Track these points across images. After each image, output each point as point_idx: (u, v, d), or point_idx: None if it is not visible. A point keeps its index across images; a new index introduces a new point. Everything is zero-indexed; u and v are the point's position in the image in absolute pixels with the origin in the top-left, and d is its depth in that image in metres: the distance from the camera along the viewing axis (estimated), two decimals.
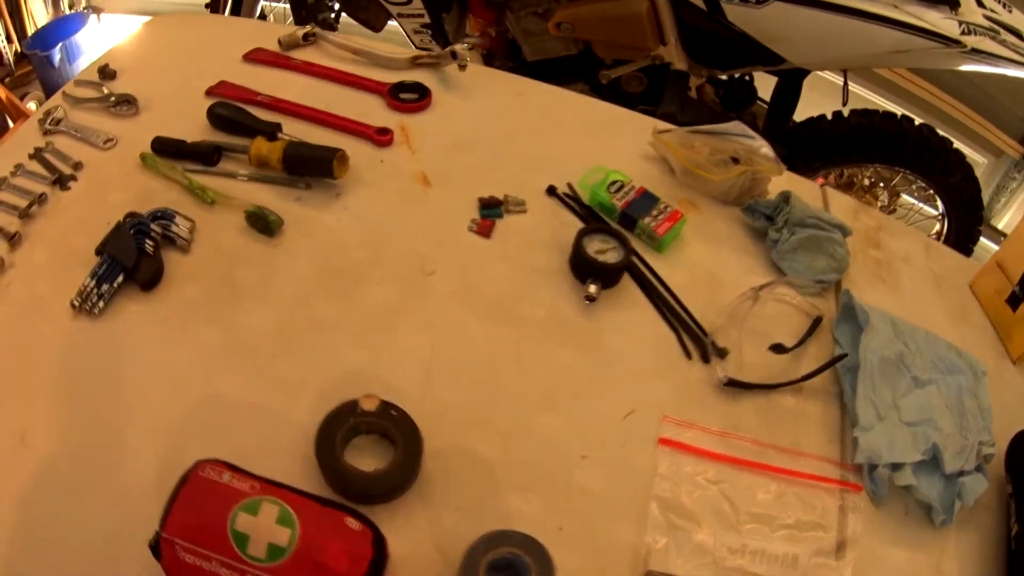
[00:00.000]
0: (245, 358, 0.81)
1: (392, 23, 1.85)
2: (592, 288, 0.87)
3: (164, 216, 0.91)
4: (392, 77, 1.16)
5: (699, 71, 1.80)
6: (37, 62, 2.53)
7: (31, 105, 2.38)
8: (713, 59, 1.77)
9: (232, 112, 1.05)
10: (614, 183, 0.99)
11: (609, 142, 1.11)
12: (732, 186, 1.02)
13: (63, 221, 0.93)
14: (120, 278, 0.85)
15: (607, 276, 0.89)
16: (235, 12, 2.02)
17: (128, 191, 0.97)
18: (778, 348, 0.87)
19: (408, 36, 1.84)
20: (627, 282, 0.92)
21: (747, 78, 1.98)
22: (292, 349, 0.82)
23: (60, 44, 2.51)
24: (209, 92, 1.12)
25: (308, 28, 1.20)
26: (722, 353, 0.86)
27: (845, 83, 1.85)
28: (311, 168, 0.96)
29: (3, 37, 2.58)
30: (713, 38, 1.68)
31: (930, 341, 0.88)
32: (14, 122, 2.24)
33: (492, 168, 1.04)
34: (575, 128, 1.13)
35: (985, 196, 2.19)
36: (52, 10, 2.80)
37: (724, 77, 1.93)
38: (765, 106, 1.99)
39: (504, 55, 1.95)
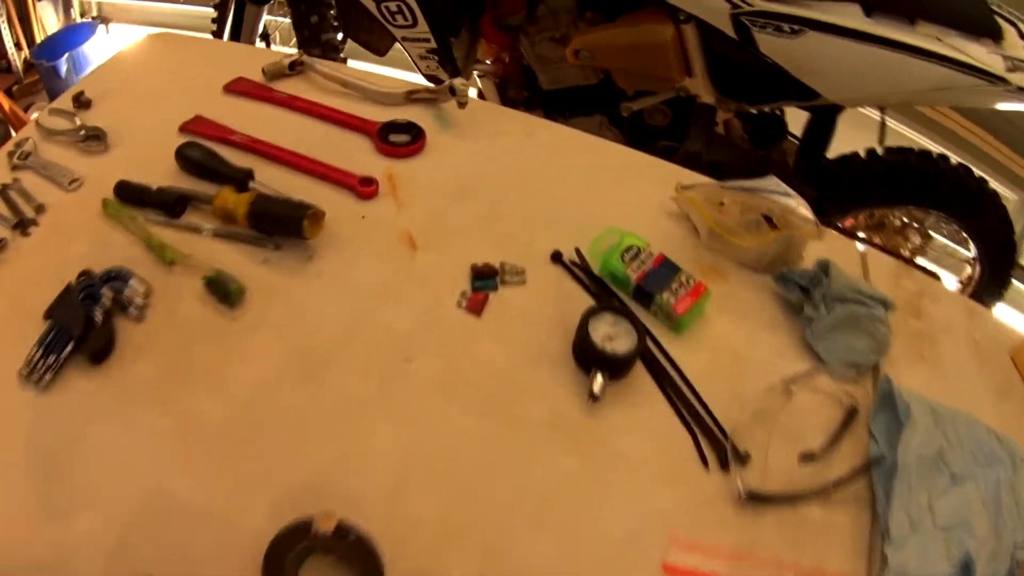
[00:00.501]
0: (197, 452, 0.69)
1: (398, 47, 1.71)
2: (597, 385, 0.73)
3: (119, 277, 0.80)
4: (385, 114, 1.02)
5: (727, 105, 1.64)
6: (43, 71, 2.44)
7: (35, 116, 2.28)
8: (742, 92, 1.61)
9: (202, 155, 0.93)
10: (629, 249, 0.85)
11: (627, 194, 0.97)
12: (764, 253, 0.88)
13: (20, 273, 0.83)
14: (68, 348, 0.74)
15: (615, 368, 0.75)
16: (236, 31, 1.89)
17: (88, 242, 0.85)
18: (807, 456, 0.73)
19: (414, 62, 1.70)
20: (639, 370, 0.78)
21: (777, 113, 1.82)
22: (249, 444, 0.70)
23: (67, 54, 2.42)
24: (183, 129, 0.99)
25: (295, 56, 1.07)
26: (743, 459, 0.71)
27: (883, 122, 1.71)
28: (280, 227, 0.83)
29: (12, 44, 2.49)
30: (743, 70, 1.53)
31: (970, 428, 0.76)
32: (16, 132, 2.15)
33: (490, 226, 0.90)
34: (589, 176, 0.99)
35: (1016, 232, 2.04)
36: (63, 18, 2.70)
37: (753, 111, 1.77)
38: (796, 143, 1.84)
39: (519, 83, 1.80)
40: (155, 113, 1.01)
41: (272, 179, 0.92)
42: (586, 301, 0.83)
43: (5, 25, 2.44)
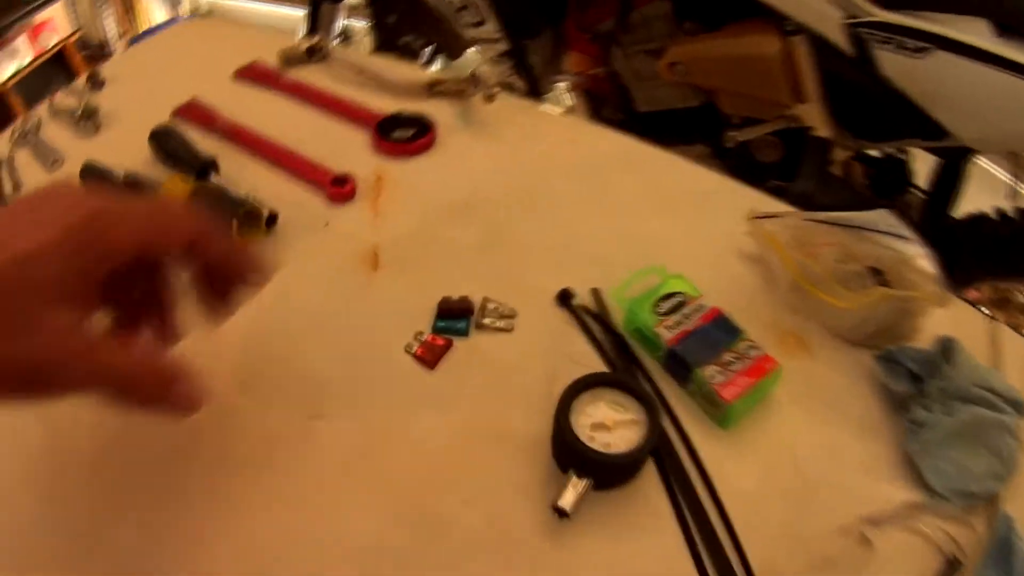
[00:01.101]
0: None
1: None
2: (569, 495, 0.46)
3: None
4: (401, 106, 0.81)
5: (846, 140, 1.33)
6: None
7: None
8: (863, 126, 1.30)
9: (172, 141, 0.75)
10: (669, 297, 0.58)
11: (690, 225, 0.69)
12: (866, 319, 0.58)
13: None
14: None
15: (604, 474, 0.48)
16: (313, 28, 1.75)
17: None
18: None
19: (486, 67, 1.50)
20: (648, 476, 0.50)
21: (901, 157, 1.49)
22: (97, 488, 0.49)
23: None
24: (175, 113, 0.83)
25: (314, 40, 0.88)
26: None
27: (1014, 173, 1.36)
28: None
29: (117, 33, 2.51)
30: (861, 97, 1.23)
31: None
32: None
33: (487, 249, 0.66)
34: (637, 196, 0.72)
35: None
36: (169, 11, 2.72)
37: (876, 154, 1.45)
38: (920, 195, 1.50)
39: (615, 103, 1.55)
40: (160, 97, 0.85)
41: (243, 171, 0.73)
42: (593, 366, 0.57)
43: (111, 14, 2.46)
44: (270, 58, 0.91)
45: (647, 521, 0.48)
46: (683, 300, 0.57)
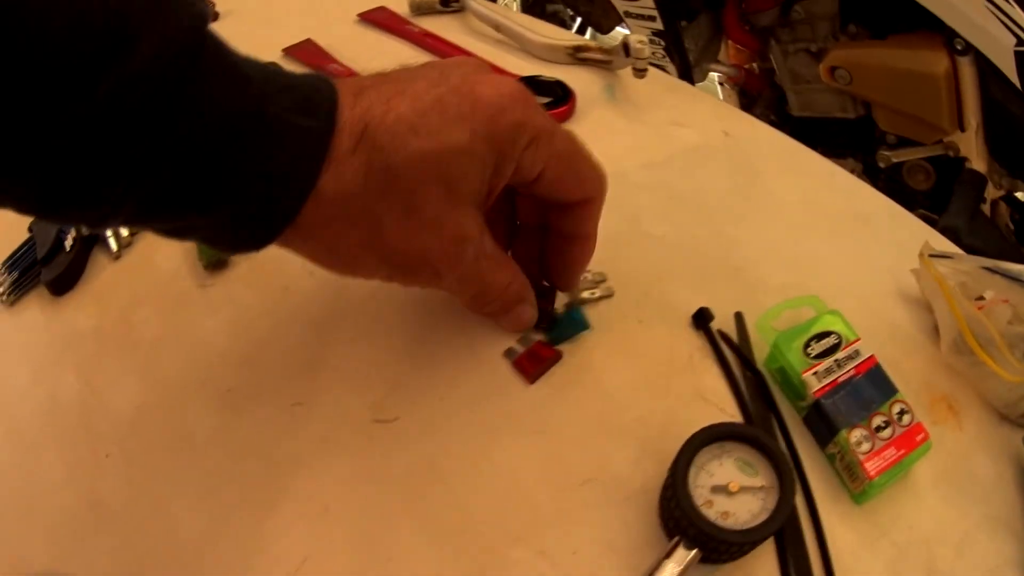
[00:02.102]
0: (80, 439, 0.46)
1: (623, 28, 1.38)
2: (669, 570, 0.35)
3: None
4: (541, 71, 0.70)
5: (999, 177, 1.15)
6: None
7: None
8: (1020, 165, 1.13)
9: None
10: (824, 336, 0.45)
11: (847, 251, 0.55)
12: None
13: None
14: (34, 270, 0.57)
15: (718, 550, 0.37)
16: None
17: None
18: None
19: None
20: (764, 557, 0.39)
21: None
22: (128, 462, 0.44)
23: None
24: (287, 51, 0.74)
25: None
26: None
27: None
28: None
29: None
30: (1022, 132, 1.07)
31: None
32: None
33: (617, 244, 0.52)
34: (796, 210, 0.58)
35: None
36: None
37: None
38: None
39: (767, 102, 1.39)
40: (276, 33, 0.77)
41: None
42: (724, 407, 0.45)
43: None
44: (400, 4, 0.81)
45: None
46: (838, 341, 0.45)
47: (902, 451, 0.41)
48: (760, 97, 1.41)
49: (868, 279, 0.53)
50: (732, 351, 0.47)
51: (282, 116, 0.30)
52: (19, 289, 0.56)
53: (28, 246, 0.58)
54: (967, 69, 1.09)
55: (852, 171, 1.33)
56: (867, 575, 0.39)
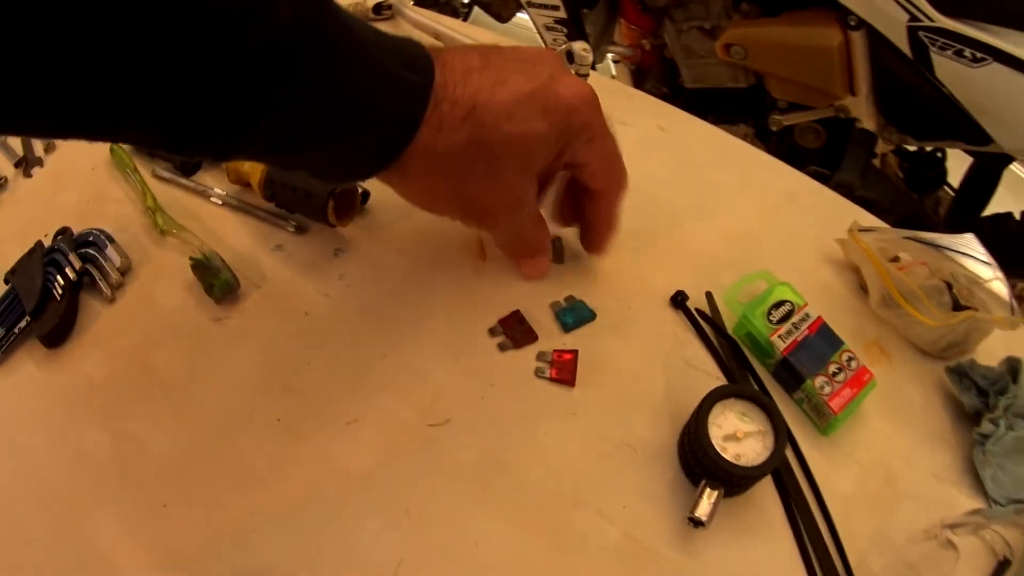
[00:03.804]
0: (129, 493, 0.50)
1: (523, 15, 1.49)
2: (704, 507, 0.47)
3: (95, 243, 0.62)
4: None
5: (890, 135, 1.36)
6: None
7: None
8: (908, 123, 1.35)
9: None
10: (780, 304, 0.58)
11: (780, 226, 0.69)
12: (944, 335, 0.60)
13: (9, 219, 0.67)
14: (24, 322, 0.58)
15: (736, 484, 0.49)
16: None
17: (84, 192, 0.68)
18: None
19: (539, 33, 1.47)
20: (762, 484, 0.52)
21: (939, 155, 1.52)
22: (190, 505, 0.49)
23: None
24: None
25: None
26: None
27: None
28: (300, 204, 0.60)
29: None
30: (913, 96, 1.28)
31: None
32: None
33: None
34: (733, 195, 0.71)
35: None
36: None
37: (913, 149, 1.47)
38: (951, 193, 1.56)
39: (659, 76, 1.54)
40: None
41: None
42: (709, 371, 0.57)
43: None
44: None
45: (762, 525, 0.50)
46: (792, 308, 0.58)
47: (855, 389, 0.55)
48: (650, 71, 1.56)
49: (801, 249, 0.67)
50: (708, 324, 0.60)
51: (396, 71, 0.40)
52: (5, 347, 0.58)
53: (8, 300, 0.60)
54: (859, 42, 1.26)
55: (744, 136, 1.52)
56: (841, 489, 0.52)
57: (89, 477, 0.51)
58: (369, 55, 0.39)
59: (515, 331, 0.57)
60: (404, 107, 0.41)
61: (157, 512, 0.49)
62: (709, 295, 0.61)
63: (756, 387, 0.57)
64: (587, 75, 0.76)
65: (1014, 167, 1.54)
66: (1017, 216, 1.43)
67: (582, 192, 0.54)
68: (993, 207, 1.50)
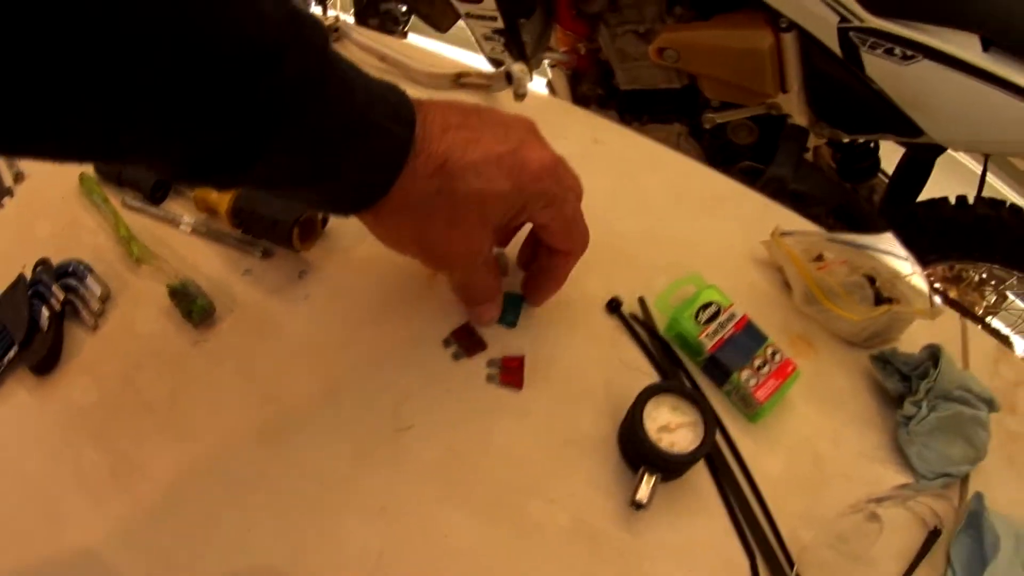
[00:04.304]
0: (127, 507, 0.56)
1: (462, 24, 1.54)
2: (644, 490, 0.55)
3: (74, 273, 0.67)
4: (422, 96, 0.85)
5: (821, 130, 1.45)
6: None
7: None
8: (840, 118, 1.43)
9: None
10: (707, 306, 0.67)
11: (708, 229, 0.77)
12: (867, 326, 0.69)
13: None
14: (12, 353, 0.63)
15: (671, 470, 0.57)
16: None
17: (57, 223, 0.72)
18: None
19: (477, 42, 1.53)
20: (697, 468, 0.60)
21: (872, 145, 1.62)
22: (187, 514, 0.55)
23: None
24: None
25: (329, 20, 0.91)
26: None
27: (984, 170, 1.53)
28: (266, 231, 0.66)
29: None
30: (844, 93, 1.36)
31: None
32: None
33: None
34: (664, 202, 0.79)
35: None
36: None
37: (846, 140, 1.57)
38: (885, 180, 1.66)
39: (593, 78, 1.61)
40: None
41: None
42: (643, 370, 0.65)
43: None
44: None
45: (699, 505, 0.58)
46: (719, 309, 0.66)
47: (780, 380, 0.63)
48: (585, 75, 1.64)
49: (728, 251, 0.75)
50: (642, 327, 0.68)
51: (380, 122, 0.45)
52: None
53: None
54: (790, 43, 1.34)
55: (678, 134, 1.60)
56: (771, 471, 0.61)
57: (87, 497, 0.56)
58: (362, 106, 0.45)
59: (466, 341, 0.64)
60: (387, 157, 0.47)
61: (158, 526, 0.55)
62: (642, 300, 0.69)
63: (687, 382, 0.65)
64: (525, 94, 0.83)
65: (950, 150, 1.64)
66: (952, 201, 1.52)
67: (541, 246, 0.60)
68: (930, 190, 1.59)
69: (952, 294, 1.80)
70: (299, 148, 0.43)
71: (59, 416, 0.60)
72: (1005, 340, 1.83)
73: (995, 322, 1.89)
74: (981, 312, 1.85)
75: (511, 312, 0.66)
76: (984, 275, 1.79)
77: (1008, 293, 1.85)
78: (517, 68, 0.81)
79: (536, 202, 0.52)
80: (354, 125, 0.44)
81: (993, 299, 1.85)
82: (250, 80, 0.37)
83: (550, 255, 0.60)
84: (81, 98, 0.33)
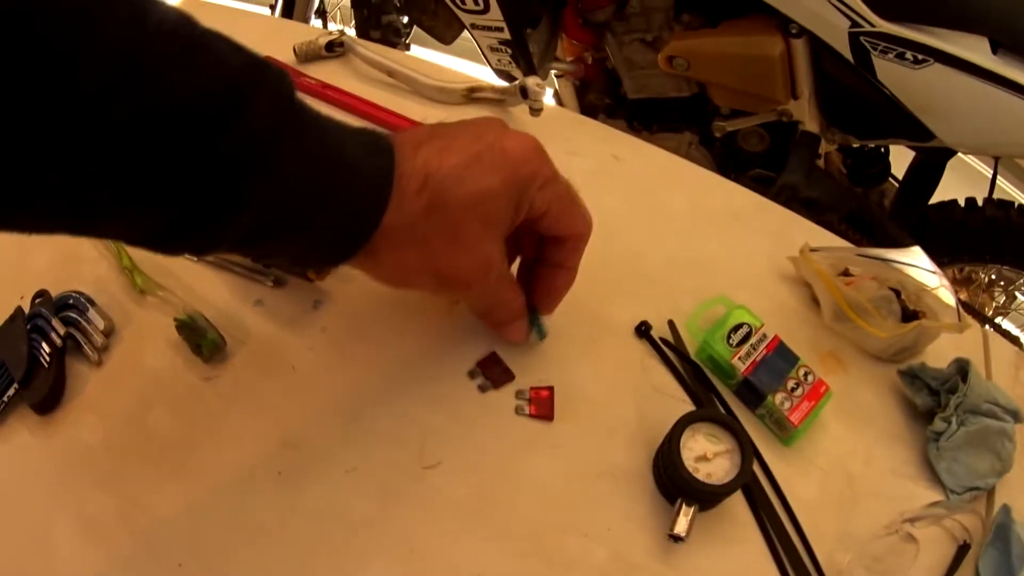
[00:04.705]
0: (141, 555, 0.53)
1: (466, 35, 1.53)
2: (682, 524, 0.53)
3: (76, 306, 0.64)
4: (437, 114, 0.83)
5: (832, 135, 1.45)
6: None
7: None
8: (851, 124, 1.43)
9: None
10: (738, 327, 0.65)
11: (733, 247, 0.75)
12: (895, 342, 0.67)
13: None
14: (11, 391, 0.60)
15: (708, 500, 0.55)
16: (288, 6, 1.72)
17: (55, 254, 0.70)
18: None
19: (483, 54, 1.52)
20: (732, 496, 0.58)
21: (882, 150, 1.62)
22: (204, 562, 0.53)
23: None
24: None
25: (334, 35, 0.89)
26: None
27: (995, 171, 1.54)
28: (279, 261, 0.65)
29: None
30: (855, 98, 1.36)
31: None
32: None
33: None
34: (687, 220, 0.77)
35: None
36: None
37: (856, 146, 1.57)
38: (895, 184, 1.66)
39: (601, 88, 1.60)
40: None
41: None
42: (676, 395, 0.63)
43: None
44: (281, 52, 0.89)
45: (735, 534, 0.57)
46: (750, 330, 0.64)
47: (813, 402, 0.61)
48: (592, 84, 1.63)
49: (753, 267, 0.74)
50: (673, 352, 0.66)
51: (357, 157, 0.44)
52: None
53: None
54: (801, 49, 1.33)
55: (688, 143, 1.59)
56: (805, 494, 0.59)
57: (98, 541, 0.54)
58: (337, 145, 0.43)
59: (493, 372, 0.62)
60: (372, 186, 0.45)
61: (172, 572, 0.52)
62: (671, 323, 0.67)
63: (721, 407, 0.63)
64: (541, 109, 0.81)
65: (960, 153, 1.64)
66: (962, 203, 1.52)
67: (545, 247, 0.57)
68: (939, 192, 1.58)
69: (962, 296, 1.80)
70: (276, 199, 0.41)
71: (63, 457, 0.58)
72: (1015, 341, 1.84)
73: (1005, 323, 1.90)
74: (991, 313, 1.86)
75: (538, 322, 0.64)
76: (993, 276, 1.80)
77: (1017, 294, 1.85)
78: (532, 82, 0.80)
79: (531, 187, 0.49)
80: (332, 163, 0.43)
81: (1002, 299, 1.86)
82: (216, 130, 0.36)
83: (558, 248, 0.56)
84: (40, 169, 0.32)
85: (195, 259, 0.68)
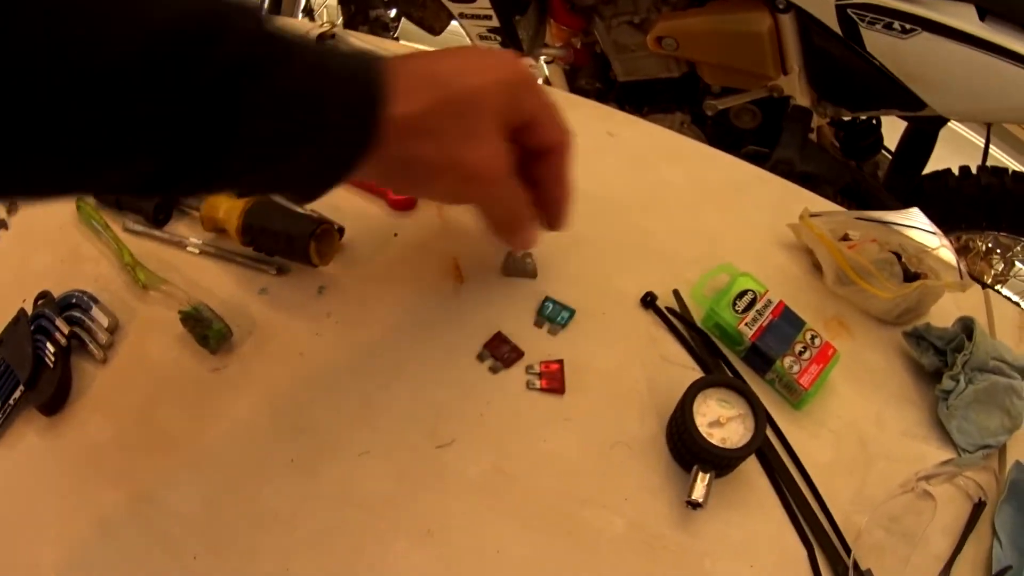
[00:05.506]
0: (157, 549, 0.53)
1: (455, 25, 1.53)
2: (699, 490, 0.53)
3: (79, 304, 0.64)
4: None
5: (824, 109, 1.45)
6: None
7: None
8: (842, 96, 1.43)
9: None
10: (743, 295, 0.65)
11: (732, 217, 0.75)
12: (899, 303, 0.67)
13: None
14: (18, 392, 0.60)
15: (724, 465, 0.55)
16: (275, 8, 1.72)
17: (56, 253, 0.70)
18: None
19: (472, 42, 1.52)
20: (747, 461, 0.58)
21: (874, 122, 1.63)
22: (221, 554, 0.53)
23: None
24: None
25: (323, 27, 0.89)
26: None
27: (987, 139, 1.53)
28: (280, 247, 0.64)
29: None
30: (845, 71, 1.36)
31: None
32: None
33: (566, 253, 0.70)
34: (685, 192, 0.77)
35: None
36: None
37: (848, 118, 1.57)
38: (888, 156, 1.67)
39: (591, 72, 1.60)
40: None
41: None
42: (685, 364, 0.63)
43: None
44: None
45: (752, 498, 0.57)
46: (755, 296, 0.65)
47: (822, 364, 0.62)
48: (582, 68, 1.63)
49: (754, 236, 0.74)
50: (679, 321, 0.66)
51: (349, 56, 0.44)
52: (2, 419, 0.59)
53: None
54: (789, 24, 1.33)
55: (681, 123, 1.59)
56: (820, 457, 0.59)
57: (114, 538, 0.54)
58: (325, 52, 0.43)
59: (501, 352, 0.62)
60: (368, 84, 0.44)
61: (189, 566, 0.52)
62: (676, 293, 0.67)
63: (730, 373, 0.64)
64: None
65: (951, 123, 1.64)
66: (956, 172, 1.52)
67: (531, 164, 0.56)
68: (932, 163, 1.58)
69: (961, 265, 1.80)
70: (275, 109, 0.40)
71: (73, 457, 0.58)
72: (1016, 307, 1.83)
73: (1004, 290, 1.90)
74: (990, 281, 1.85)
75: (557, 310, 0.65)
76: (990, 244, 1.79)
77: (1015, 261, 1.85)
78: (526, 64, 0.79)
79: (521, 88, 0.50)
80: (324, 68, 0.42)
81: (1001, 267, 1.85)
82: (208, 45, 0.37)
83: (546, 161, 0.56)
84: (41, 107, 0.32)
85: (196, 250, 0.68)
